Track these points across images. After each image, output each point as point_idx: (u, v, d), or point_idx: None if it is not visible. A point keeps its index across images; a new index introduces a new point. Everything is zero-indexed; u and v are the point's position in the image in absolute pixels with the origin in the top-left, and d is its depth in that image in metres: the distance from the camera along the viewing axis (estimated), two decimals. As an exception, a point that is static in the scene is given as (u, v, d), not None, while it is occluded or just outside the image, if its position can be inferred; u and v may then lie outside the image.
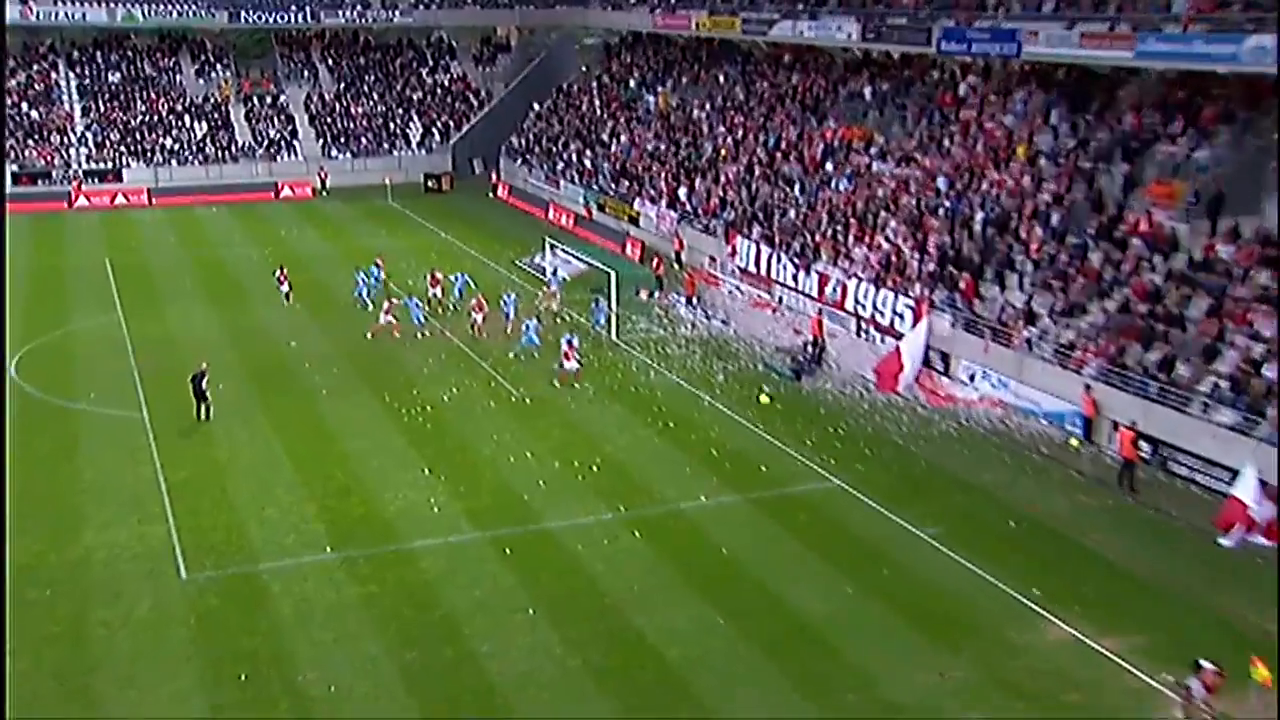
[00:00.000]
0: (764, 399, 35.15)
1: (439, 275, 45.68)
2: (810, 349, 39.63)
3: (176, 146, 75.57)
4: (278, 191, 73.31)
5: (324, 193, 74.38)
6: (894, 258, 41.38)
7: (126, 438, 31.65)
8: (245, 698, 20.06)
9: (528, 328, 39.46)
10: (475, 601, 23.40)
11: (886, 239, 42.64)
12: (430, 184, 75.88)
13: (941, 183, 43.89)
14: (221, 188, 72.49)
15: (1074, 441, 32.25)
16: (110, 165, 72.79)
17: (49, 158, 72.06)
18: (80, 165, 72.13)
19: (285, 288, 46.99)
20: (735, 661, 21.39)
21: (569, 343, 37.15)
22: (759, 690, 20.52)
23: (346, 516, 27.25)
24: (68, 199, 68.89)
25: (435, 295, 44.54)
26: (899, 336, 38.38)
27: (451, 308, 44.19)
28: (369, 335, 41.03)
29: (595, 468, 30.27)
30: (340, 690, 20.30)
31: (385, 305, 42.11)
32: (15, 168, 70.19)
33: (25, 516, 26.69)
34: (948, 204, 42.54)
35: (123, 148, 74.45)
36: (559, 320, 42.84)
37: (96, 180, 71.20)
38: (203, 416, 32.82)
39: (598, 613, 23.10)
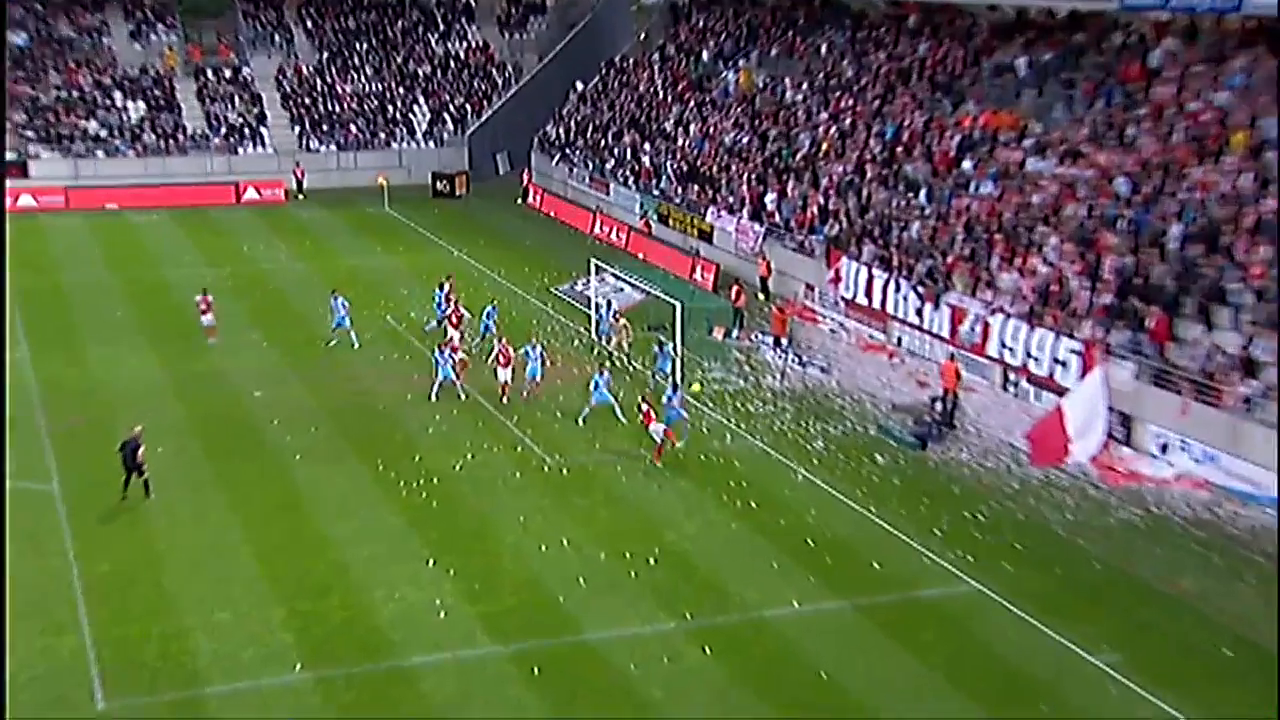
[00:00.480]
0: (695, 386, 35.16)
1: (462, 310, 45.85)
2: (940, 406, 39.32)
3: (103, 132, 77.16)
4: (239, 193, 74.59)
5: (300, 195, 75.58)
6: (1055, 286, 41.04)
7: (30, 517, 31.88)
8: None
9: (597, 384, 39.04)
10: (492, 740, 23.24)
11: (1045, 261, 42.34)
12: (440, 186, 76.86)
13: (1122, 185, 43.53)
14: (164, 187, 73.74)
15: (1308, 536, 31.59)
16: (14, 156, 73.42)
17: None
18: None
19: (208, 318, 46.97)
20: (841, 828, 21.01)
21: (644, 400, 37.29)
22: None
23: (324, 623, 27.24)
24: None
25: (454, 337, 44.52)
26: (1062, 392, 37.94)
27: (470, 349, 44.28)
28: (525, 395, 40.93)
29: (653, 561, 30.11)
30: None
31: (498, 348, 41.48)
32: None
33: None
34: (1131, 214, 42.15)
35: (29, 133, 75.90)
36: (627, 358, 42.94)
37: (-6, 176, 72.73)
38: (128, 493, 32.82)
39: (656, 757, 22.87)
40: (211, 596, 28.20)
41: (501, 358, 40.36)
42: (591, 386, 39.28)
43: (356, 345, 45.73)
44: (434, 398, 40.34)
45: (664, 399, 37.73)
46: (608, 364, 41.26)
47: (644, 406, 36.61)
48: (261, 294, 52.80)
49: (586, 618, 27.56)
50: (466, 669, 25.52)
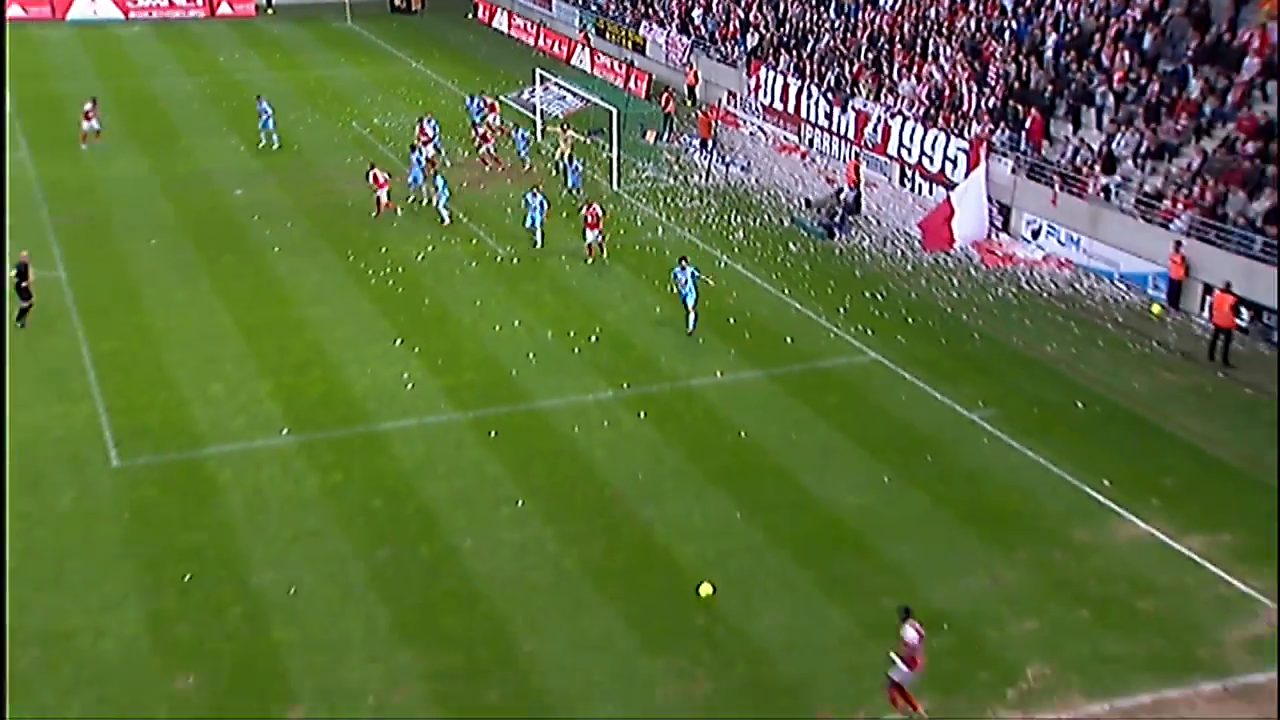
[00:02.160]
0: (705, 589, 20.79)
1: (427, 128, 43.41)
2: (845, 200, 39.08)
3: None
4: (213, 8, 71.80)
5: (270, 10, 72.83)
6: (947, 91, 40.49)
7: (41, 302, 31.34)
8: (190, 603, 20.22)
9: (575, 169, 40.01)
10: (455, 492, 23.45)
11: (939, 69, 41.66)
12: (398, 2, 74.37)
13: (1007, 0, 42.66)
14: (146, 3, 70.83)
15: (1156, 308, 31.98)
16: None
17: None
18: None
19: (92, 124, 44.51)
20: (756, 562, 21.49)
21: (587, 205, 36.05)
22: (783, 594, 20.65)
23: (305, 395, 27.17)
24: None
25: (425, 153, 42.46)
26: (951, 186, 37.76)
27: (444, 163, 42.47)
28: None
29: (594, 339, 30.09)
30: (301, 593, 20.45)
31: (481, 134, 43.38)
32: None
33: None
34: (1014, 26, 41.41)
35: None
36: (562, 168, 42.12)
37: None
38: (19, 321, 29.90)
39: (597, 505, 23.17)
40: (205, 371, 28.00)
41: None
42: (571, 170, 39.86)
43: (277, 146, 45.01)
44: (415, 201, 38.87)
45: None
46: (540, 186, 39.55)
47: (588, 211, 35.29)
48: (238, 102, 51.00)
49: (536, 389, 27.60)
50: (431, 433, 25.60)
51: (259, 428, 25.68)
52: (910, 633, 17.56)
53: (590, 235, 34.67)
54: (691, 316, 29.87)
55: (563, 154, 42.28)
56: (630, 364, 28.85)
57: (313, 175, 42.08)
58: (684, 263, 30.02)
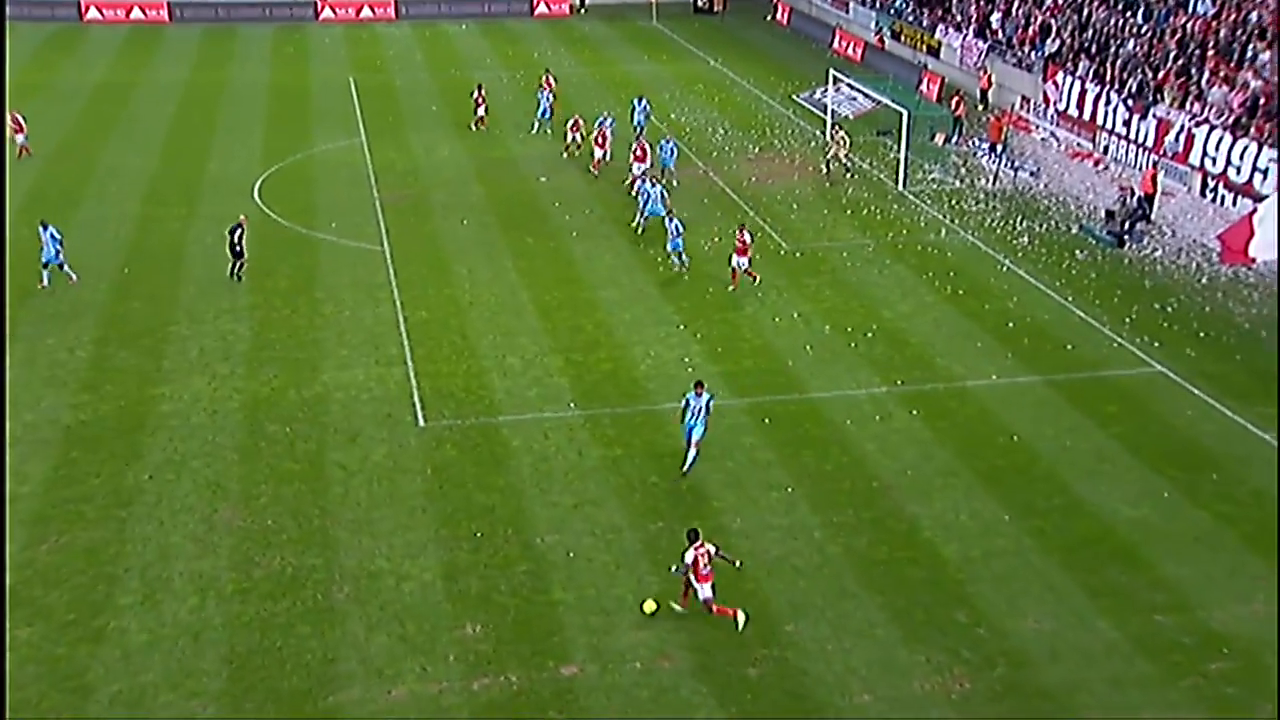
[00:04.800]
0: (649, 606, 20.15)
1: (580, 121, 43.86)
2: (1136, 207, 37.11)
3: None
4: (533, 8, 74.58)
5: (582, 10, 75.06)
6: (1262, 100, 37.74)
7: (366, 272, 33.53)
8: (481, 557, 21.25)
9: (648, 195, 35.97)
10: (727, 474, 23.72)
11: (1257, 74, 38.87)
12: (700, 3, 75.20)
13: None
14: (472, -1, 74.53)
15: None
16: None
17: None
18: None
19: (482, 110, 47.74)
20: (1022, 565, 20.84)
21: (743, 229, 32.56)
22: (1048, 599, 19.96)
23: (593, 371, 28.04)
24: (314, 8, 72.40)
25: (575, 139, 43.27)
26: (1259, 198, 35.26)
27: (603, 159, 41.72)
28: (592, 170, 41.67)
29: (870, 335, 29.80)
30: (579, 557, 21.17)
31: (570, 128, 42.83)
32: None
33: (265, 348, 28.95)
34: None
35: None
36: (847, 173, 41.79)
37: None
38: (237, 276, 32.52)
39: (865, 497, 22.98)
40: (504, 344, 29.28)
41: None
42: (642, 195, 36.38)
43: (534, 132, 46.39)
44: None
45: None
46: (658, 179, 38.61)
47: (738, 237, 32.39)
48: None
49: (811, 380, 27.58)
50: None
51: (549, 399, 26.68)
52: (690, 555, 19.15)
53: (736, 260, 32.07)
54: (691, 454, 23.60)
55: (833, 155, 41.89)
56: (905, 361, 28.43)
57: (612, 165, 43.18)
58: (699, 389, 23.63)
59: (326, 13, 72.49)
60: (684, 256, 33.47)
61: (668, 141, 41.29)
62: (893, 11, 61.88)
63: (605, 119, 43.22)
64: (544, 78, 49.20)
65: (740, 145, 45.50)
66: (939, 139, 45.70)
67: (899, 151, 41.48)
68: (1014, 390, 27.09)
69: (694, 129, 47.84)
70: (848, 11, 66.16)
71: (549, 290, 32.38)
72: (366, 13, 72.92)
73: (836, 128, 43.70)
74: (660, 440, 24.95)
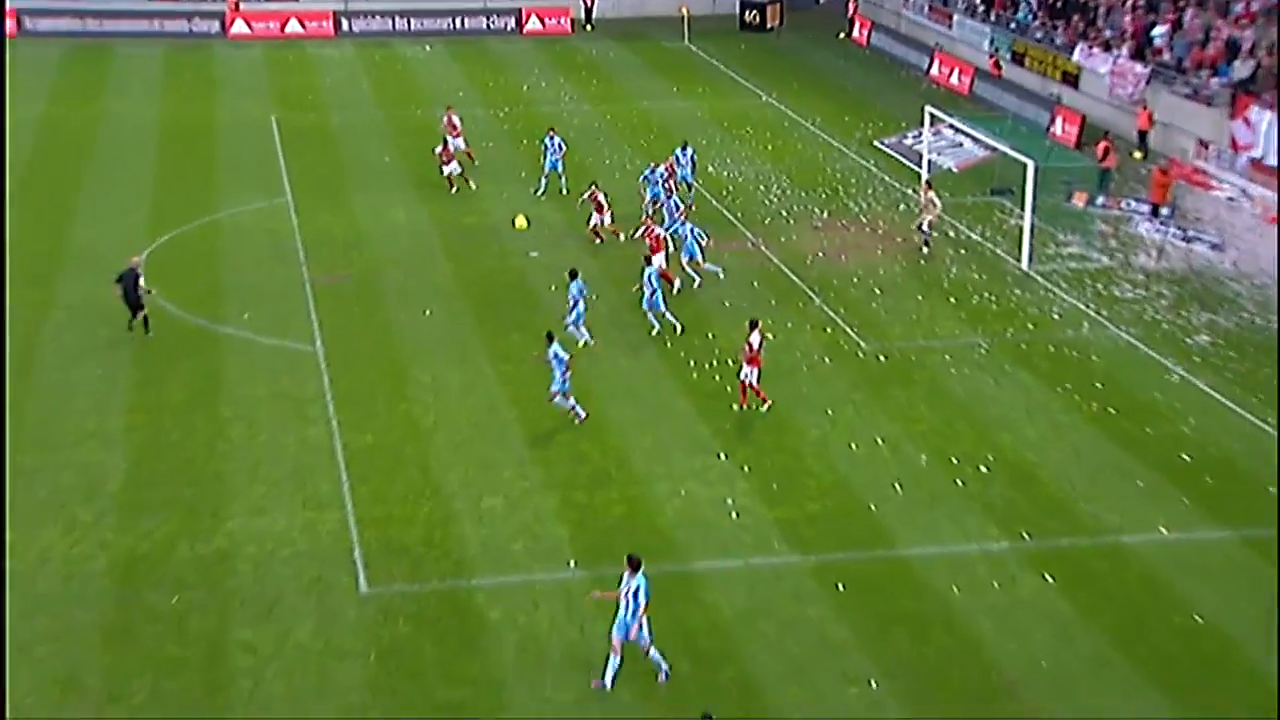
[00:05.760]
0: (520, 221, 36.84)
1: (601, 199, 43.17)
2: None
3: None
4: (521, 23, 75.97)
5: (588, 26, 76.41)
6: None
7: (291, 381, 33.79)
8: (444, 772, 21.14)
9: (648, 277, 36.37)
10: (788, 660, 23.67)
11: None
12: (749, 17, 76.49)
13: None
14: (437, 12, 75.85)
15: None
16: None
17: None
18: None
19: (451, 167, 48.18)
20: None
21: (755, 331, 32.33)
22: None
23: (602, 517, 28.10)
24: (221, 22, 74.02)
25: (602, 221, 43.01)
26: None
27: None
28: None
29: (985, 469, 29.83)
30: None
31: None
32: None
33: (150, 487, 29.07)
34: None
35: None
36: (927, 245, 42.19)
37: (261, -4, 75.98)
38: (143, 328, 34.84)
39: (980, 696, 22.89)
40: (479, 479, 29.40)
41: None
42: (646, 280, 36.39)
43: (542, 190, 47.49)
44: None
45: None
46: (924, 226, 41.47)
47: (753, 340, 32.32)
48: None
49: (902, 531, 27.56)
50: (760, 579, 25.94)
51: (541, 556, 26.72)
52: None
53: (744, 372, 32.29)
54: (613, 663, 22.65)
55: (923, 223, 42.33)
56: (1034, 506, 28.40)
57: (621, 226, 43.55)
58: (634, 567, 22.60)
59: (240, 27, 73.81)
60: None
61: (653, 170, 44.26)
62: (1014, 26, 62.85)
63: (654, 173, 44.13)
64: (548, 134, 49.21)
65: (803, 209, 46.06)
66: (1079, 199, 46.16)
67: (1023, 217, 41.86)
68: (1193, 549, 27.00)
69: (740, 187, 48.55)
70: (951, 26, 67.23)
71: (542, 406, 32.47)
72: (295, 27, 74.05)
73: (927, 185, 44.20)
74: (694, 613, 24.90)
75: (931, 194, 43.09)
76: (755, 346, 31.99)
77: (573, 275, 35.28)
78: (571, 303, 34.92)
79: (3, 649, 20.46)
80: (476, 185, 48.07)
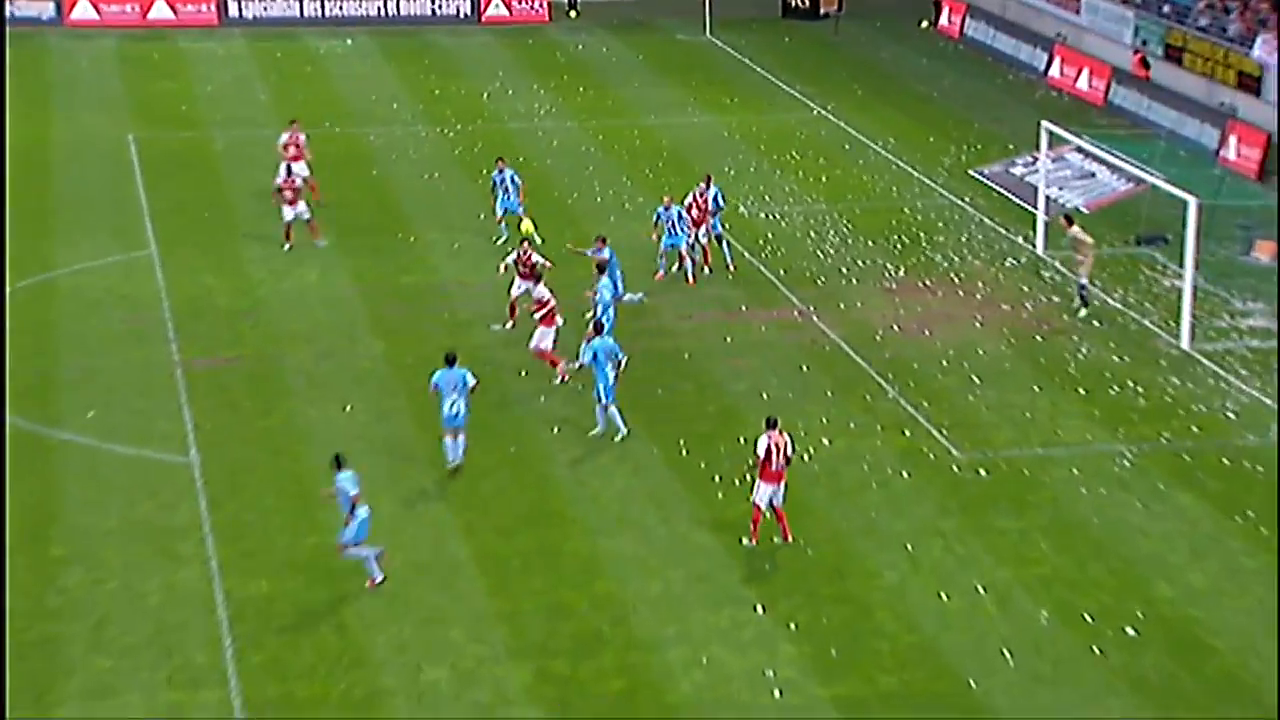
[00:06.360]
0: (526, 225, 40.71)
1: (533, 257, 43.09)
2: None
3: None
4: (480, 8, 76.50)
5: (572, 12, 77.02)
6: None
7: (155, 506, 33.67)
8: None
9: (587, 348, 37.02)
10: None
11: None
12: (795, 0, 77.08)
13: None
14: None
15: None
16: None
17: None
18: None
19: (298, 209, 47.86)
20: None
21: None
22: None
23: (590, 694, 27.83)
24: (57, 2, 74.68)
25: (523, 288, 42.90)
26: None
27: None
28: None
29: (1133, 631, 29.66)
30: None
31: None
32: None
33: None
34: None
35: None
36: (1084, 307, 42.35)
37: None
38: None
39: None
40: (419, 642, 29.15)
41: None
42: (584, 349, 36.98)
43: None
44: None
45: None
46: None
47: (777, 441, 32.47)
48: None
49: (1015, 713, 27.38)
50: (812, 784, 25.81)
51: (507, 751, 26.63)
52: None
53: (760, 493, 32.26)
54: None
55: (1080, 276, 42.40)
56: (1204, 685, 28.16)
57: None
58: None
59: (84, 10, 74.08)
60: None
61: (502, 172, 47.22)
62: (1168, 12, 62.88)
63: (668, 213, 44.65)
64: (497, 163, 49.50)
65: (871, 263, 46.16)
66: (1262, 250, 46.23)
67: (1182, 276, 42.01)
68: None
69: (784, 234, 48.77)
70: (1079, 12, 67.44)
71: (508, 538, 32.53)
72: (163, 11, 74.13)
73: (1068, 221, 44.13)
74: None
75: (1076, 229, 43.08)
76: (763, 455, 31.63)
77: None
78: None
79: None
80: (326, 242, 48.18)
